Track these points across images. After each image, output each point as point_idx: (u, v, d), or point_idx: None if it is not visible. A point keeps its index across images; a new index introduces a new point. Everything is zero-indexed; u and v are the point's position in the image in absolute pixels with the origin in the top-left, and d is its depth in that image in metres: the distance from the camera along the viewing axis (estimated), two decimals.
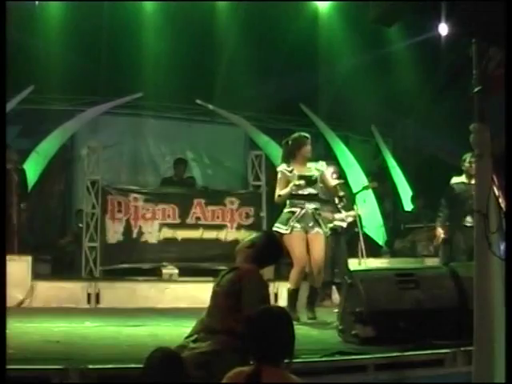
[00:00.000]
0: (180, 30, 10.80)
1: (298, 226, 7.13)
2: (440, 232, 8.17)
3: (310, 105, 12.20)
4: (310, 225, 7.17)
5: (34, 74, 10.44)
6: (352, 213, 9.09)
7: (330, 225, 8.74)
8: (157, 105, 11.91)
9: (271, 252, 4.61)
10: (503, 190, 3.88)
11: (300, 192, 7.23)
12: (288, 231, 7.10)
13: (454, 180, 8.04)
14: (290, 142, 7.41)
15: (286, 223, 7.16)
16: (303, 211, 7.17)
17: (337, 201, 8.80)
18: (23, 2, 8.98)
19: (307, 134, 7.49)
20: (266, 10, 10.65)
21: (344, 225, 8.87)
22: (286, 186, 7.23)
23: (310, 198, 7.26)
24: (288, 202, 7.30)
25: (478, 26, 3.47)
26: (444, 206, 8.13)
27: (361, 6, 10.15)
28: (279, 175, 7.33)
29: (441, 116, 12.72)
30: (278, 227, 7.21)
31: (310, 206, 7.22)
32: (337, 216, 8.78)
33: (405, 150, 13.92)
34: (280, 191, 7.29)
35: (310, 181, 7.26)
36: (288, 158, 7.38)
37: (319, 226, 7.23)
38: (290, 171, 7.25)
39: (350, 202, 9.15)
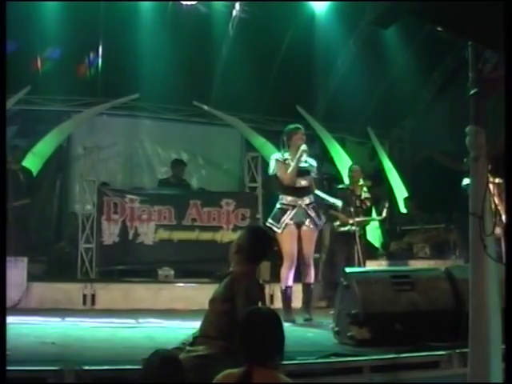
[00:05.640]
0: (177, 31, 10.79)
1: (290, 222, 7.21)
2: None
3: (307, 107, 12.19)
4: (303, 220, 7.23)
5: (31, 74, 10.42)
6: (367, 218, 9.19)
7: (345, 228, 8.78)
8: (153, 106, 11.90)
9: (258, 246, 4.48)
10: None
11: (292, 185, 7.29)
12: (280, 230, 7.16)
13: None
14: (282, 134, 7.59)
15: (278, 221, 7.22)
16: (295, 210, 7.22)
17: (358, 203, 8.82)
18: (20, 1, 8.94)
19: (299, 125, 7.63)
20: (262, 10, 10.65)
21: (357, 229, 8.73)
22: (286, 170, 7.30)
23: (301, 192, 7.31)
24: (280, 196, 7.37)
25: (474, 28, 3.47)
26: None
27: (357, 7, 10.17)
28: (276, 164, 7.38)
29: (437, 118, 12.74)
30: (271, 224, 7.27)
31: (303, 203, 7.25)
32: (350, 221, 8.76)
33: (401, 152, 13.94)
34: (286, 172, 7.30)
35: (302, 171, 7.33)
36: (282, 148, 7.49)
37: (312, 219, 7.27)
38: (285, 160, 7.33)
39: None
